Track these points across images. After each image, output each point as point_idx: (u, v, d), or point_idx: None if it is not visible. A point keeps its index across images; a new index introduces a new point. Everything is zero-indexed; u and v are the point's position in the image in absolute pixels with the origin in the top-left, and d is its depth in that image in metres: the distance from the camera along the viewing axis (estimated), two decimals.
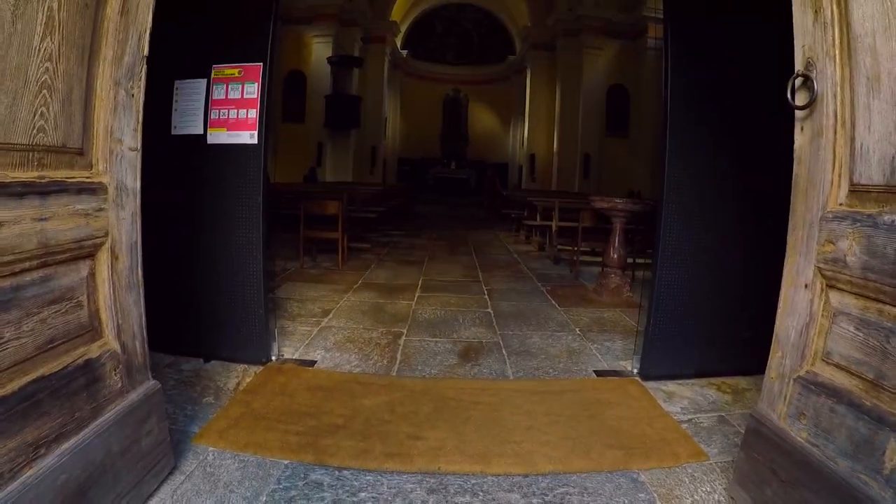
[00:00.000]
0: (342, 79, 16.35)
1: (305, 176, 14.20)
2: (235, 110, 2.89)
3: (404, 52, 22.44)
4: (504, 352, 3.43)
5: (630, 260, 5.47)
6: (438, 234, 9.81)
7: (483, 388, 2.83)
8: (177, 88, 3.00)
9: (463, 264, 6.68)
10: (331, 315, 4.12)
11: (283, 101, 16.04)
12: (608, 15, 15.27)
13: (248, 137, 2.86)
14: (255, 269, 2.97)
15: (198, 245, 3.04)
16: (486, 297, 4.95)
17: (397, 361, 3.20)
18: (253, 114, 2.85)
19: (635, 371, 3.12)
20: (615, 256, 5.09)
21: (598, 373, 3.14)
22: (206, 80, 2.95)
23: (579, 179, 15.87)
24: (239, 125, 2.87)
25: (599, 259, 6.20)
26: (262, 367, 3.00)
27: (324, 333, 3.67)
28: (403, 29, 21.82)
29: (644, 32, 15.02)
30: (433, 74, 24.51)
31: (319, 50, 15.89)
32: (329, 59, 15.69)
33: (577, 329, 4.00)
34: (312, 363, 3.13)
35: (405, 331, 3.80)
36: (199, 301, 3.08)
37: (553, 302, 4.83)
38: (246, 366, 3.01)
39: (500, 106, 24.04)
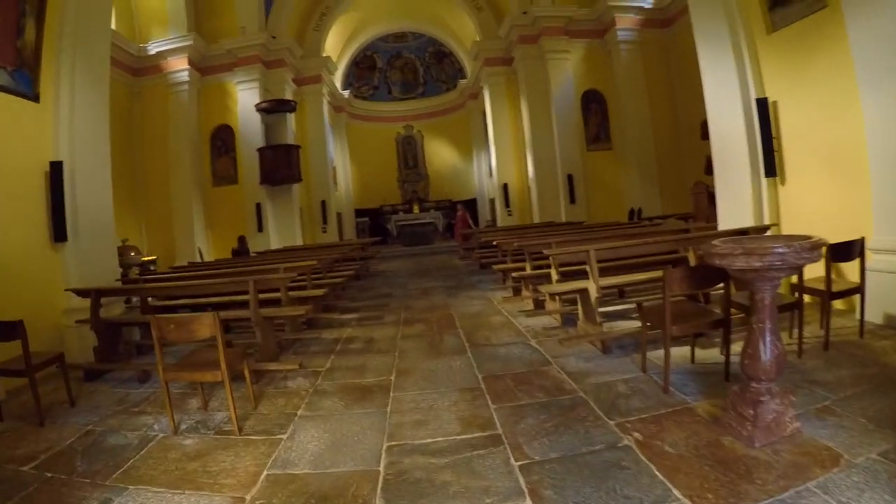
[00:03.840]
0: (276, 127, 13.81)
1: (234, 249, 11.22)
2: None
3: (345, 93, 20.10)
4: None
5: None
6: (409, 312, 6.89)
7: None
8: None
9: (457, 382, 3.91)
10: None
11: (212, 161, 13.46)
12: (568, 13, 13.17)
13: None
14: None
15: None
16: None
17: None
18: None
19: None
20: (769, 359, 2.49)
21: None
22: None
23: (565, 205, 13.43)
24: None
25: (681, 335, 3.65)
26: None
27: None
28: (341, 68, 19.53)
29: (612, 26, 12.99)
30: (381, 114, 22.28)
31: (246, 98, 13.36)
32: (258, 107, 13.15)
33: None
34: None
35: None
36: None
37: (674, 491, 2.16)
38: None
39: (460, 136, 21.81)
